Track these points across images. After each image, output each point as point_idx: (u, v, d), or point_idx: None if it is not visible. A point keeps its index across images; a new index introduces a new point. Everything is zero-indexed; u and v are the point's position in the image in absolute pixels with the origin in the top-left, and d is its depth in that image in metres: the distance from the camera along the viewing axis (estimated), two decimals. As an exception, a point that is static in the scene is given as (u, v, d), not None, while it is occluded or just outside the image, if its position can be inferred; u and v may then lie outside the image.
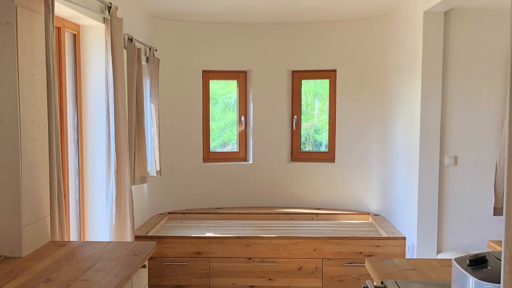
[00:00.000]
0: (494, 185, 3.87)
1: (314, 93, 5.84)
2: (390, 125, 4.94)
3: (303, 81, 5.65)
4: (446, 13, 3.98)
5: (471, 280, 1.56)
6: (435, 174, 4.07)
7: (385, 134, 5.08)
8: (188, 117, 5.46)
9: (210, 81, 5.61)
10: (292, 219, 5.29)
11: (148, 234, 4.49)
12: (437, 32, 3.98)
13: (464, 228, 4.11)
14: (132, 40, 4.12)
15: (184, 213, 5.33)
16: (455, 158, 4.09)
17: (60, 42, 3.39)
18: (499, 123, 3.99)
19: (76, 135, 3.73)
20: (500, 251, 1.58)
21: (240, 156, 5.70)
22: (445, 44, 4.02)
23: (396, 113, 4.77)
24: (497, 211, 3.86)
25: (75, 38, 3.70)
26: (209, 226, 4.98)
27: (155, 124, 4.73)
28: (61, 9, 3.17)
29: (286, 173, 5.61)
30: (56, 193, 2.77)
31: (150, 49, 4.77)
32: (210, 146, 5.67)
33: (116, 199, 3.70)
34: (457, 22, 4.01)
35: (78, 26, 3.69)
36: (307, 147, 5.81)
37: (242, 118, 5.65)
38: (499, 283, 1.36)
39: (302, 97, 5.67)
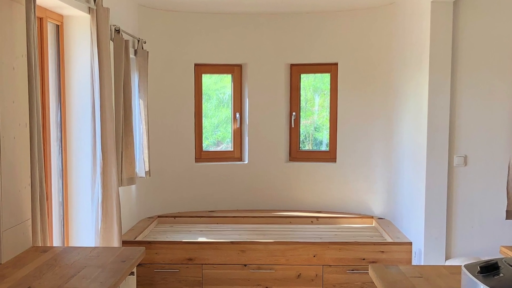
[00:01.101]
0: (507, 187, 3.89)
1: (314, 88, 5.85)
2: (396, 122, 4.95)
3: (302, 75, 5.66)
4: (455, 2, 3.99)
5: (482, 288, 1.57)
6: (443, 174, 4.08)
7: (390, 132, 5.10)
8: (179, 114, 5.46)
9: (203, 75, 5.61)
10: (290, 223, 5.30)
11: (136, 239, 4.50)
12: (446, 22, 3.99)
13: (474, 232, 4.13)
14: (119, 32, 4.11)
15: (175, 217, 5.33)
16: (465, 157, 4.11)
17: (42, 33, 3.38)
18: None
19: (59, 133, 3.73)
20: (513, 257, 1.59)
21: (234, 155, 5.71)
22: (454, 36, 4.03)
23: (402, 110, 4.78)
24: (510, 215, 3.88)
25: (58, 30, 3.69)
26: (201, 231, 4.99)
27: (144, 122, 4.73)
28: (43, -2, 3.17)
29: (284, 174, 5.62)
30: (38, 195, 2.77)
31: (138, 41, 4.77)
32: (203, 145, 5.67)
33: (102, 202, 3.70)
34: (467, 12, 4.02)
35: (61, 16, 3.68)
36: (307, 146, 5.82)
37: (237, 115, 5.65)
38: (512, 290, 1.37)
39: (301, 92, 5.68)
